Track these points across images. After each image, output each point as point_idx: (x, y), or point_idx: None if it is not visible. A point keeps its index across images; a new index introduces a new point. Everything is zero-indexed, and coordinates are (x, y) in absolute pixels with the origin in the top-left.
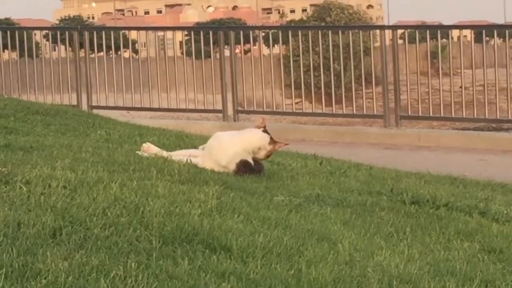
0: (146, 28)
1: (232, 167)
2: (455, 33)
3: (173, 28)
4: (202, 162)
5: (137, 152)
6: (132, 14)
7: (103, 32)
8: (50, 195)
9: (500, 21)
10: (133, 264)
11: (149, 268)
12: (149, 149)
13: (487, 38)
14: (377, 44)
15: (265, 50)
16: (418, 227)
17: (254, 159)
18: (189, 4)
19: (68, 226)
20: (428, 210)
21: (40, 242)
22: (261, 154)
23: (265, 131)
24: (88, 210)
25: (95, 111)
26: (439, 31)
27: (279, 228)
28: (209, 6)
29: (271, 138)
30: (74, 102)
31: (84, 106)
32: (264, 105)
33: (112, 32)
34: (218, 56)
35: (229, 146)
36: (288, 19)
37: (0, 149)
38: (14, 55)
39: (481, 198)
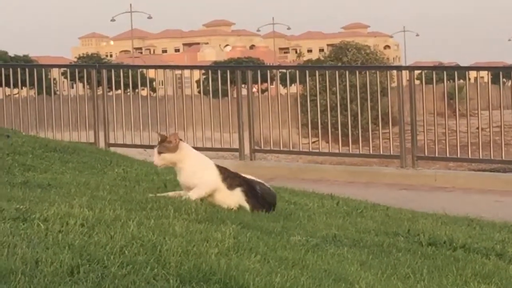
0: (164, 67)
1: None
2: (472, 74)
3: (191, 67)
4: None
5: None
6: (150, 52)
7: (121, 70)
8: (68, 233)
9: None
10: None
11: None
12: None
13: (504, 80)
14: (394, 84)
15: (282, 90)
16: (435, 268)
17: None
18: (206, 43)
19: (85, 264)
20: (445, 251)
21: (57, 280)
22: None
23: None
24: (105, 248)
25: (112, 149)
26: (456, 72)
27: (296, 268)
28: (226, 45)
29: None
30: (92, 140)
31: (102, 144)
32: (281, 144)
33: (130, 70)
34: (235, 95)
35: None
36: (305, 58)
37: (18, 186)
38: (32, 92)
39: (498, 240)
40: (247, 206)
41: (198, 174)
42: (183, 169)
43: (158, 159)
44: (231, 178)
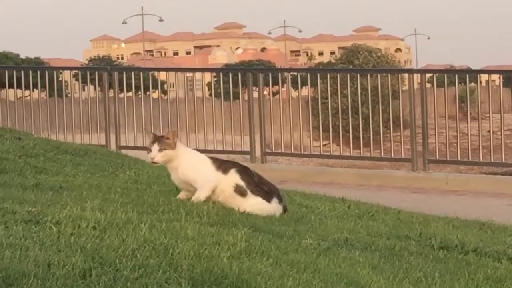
0: (175, 69)
1: None
2: (483, 77)
3: (202, 70)
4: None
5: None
6: (161, 55)
7: (132, 73)
8: (80, 235)
9: None
10: None
11: None
12: None
13: None
14: (405, 87)
15: (293, 92)
16: (447, 272)
17: None
18: (218, 46)
19: (98, 267)
20: (456, 255)
21: (70, 283)
22: None
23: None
24: (117, 251)
25: (123, 151)
26: (467, 75)
27: (307, 272)
28: (237, 48)
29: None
30: (103, 142)
31: (113, 146)
32: (291, 147)
33: (141, 73)
34: (246, 98)
35: None
36: (317, 61)
37: (30, 189)
38: (44, 94)
39: (510, 243)
40: (242, 183)
41: (196, 168)
42: (181, 164)
43: (159, 155)
44: (224, 164)
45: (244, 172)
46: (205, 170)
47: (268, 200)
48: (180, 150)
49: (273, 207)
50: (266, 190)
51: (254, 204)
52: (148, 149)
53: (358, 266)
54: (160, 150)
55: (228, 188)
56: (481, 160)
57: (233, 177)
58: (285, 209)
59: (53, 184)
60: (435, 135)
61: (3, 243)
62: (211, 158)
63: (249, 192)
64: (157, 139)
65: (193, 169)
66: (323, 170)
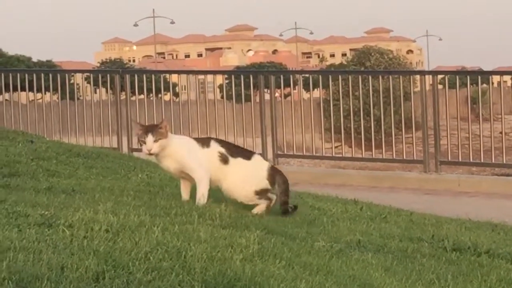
0: (186, 72)
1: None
2: (495, 78)
3: (214, 72)
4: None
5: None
6: (173, 57)
7: (144, 75)
8: (92, 238)
9: None
10: None
11: None
12: None
13: None
14: (417, 89)
15: (305, 94)
16: (460, 274)
17: None
18: (229, 48)
19: (111, 270)
20: (469, 257)
21: (83, 286)
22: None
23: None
24: (130, 254)
25: (135, 154)
26: (479, 77)
27: (320, 274)
28: (249, 50)
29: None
30: (115, 145)
31: (125, 149)
32: (303, 149)
33: (152, 75)
34: (258, 100)
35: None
36: (328, 63)
37: (43, 192)
38: (56, 97)
39: None
40: (223, 150)
41: (188, 154)
42: (173, 152)
43: (155, 146)
44: (203, 139)
45: (221, 140)
46: (195, 153)
47: (248, 157)
48: (170, 137)
49: (254, 163)
50: (243, 149)
51: (236, 170)
52: (140, 140)
53: (371, 268)
54: (156, 140)
55: (215, 160)
56: (493, 161)
57: (216, 147)
58: (295, 207)
59: (65, 187)
60: (447, 136)
61: (16, 247)
62: (193, 138)
63: (230, 158)
64: (151, 129)
65: (187, 155)
66: (335, 172)
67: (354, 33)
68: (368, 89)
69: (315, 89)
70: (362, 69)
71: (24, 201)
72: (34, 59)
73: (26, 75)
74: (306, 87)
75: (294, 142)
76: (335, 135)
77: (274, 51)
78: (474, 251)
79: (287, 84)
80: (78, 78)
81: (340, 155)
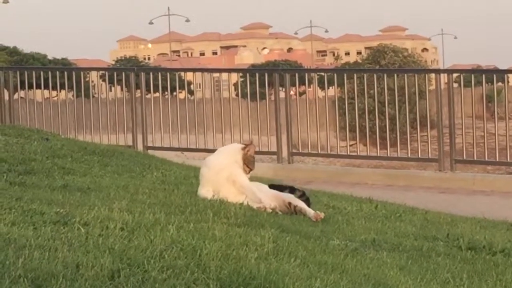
0: (201, 70)
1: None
2: (510, 77)
3: (229, 70)
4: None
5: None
6: (188, 55)
7: (159, 73)
8: (108, 236)
9: None
10: None
11: None
12: None
13: None
14: (432, 87)
15: (320, 93)
16: (475, 273)
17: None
18: (244, 46)
19: (126, 268)
20: (484, 256)
21: (98, 284)
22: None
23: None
24: (145, 252)
25: (150, 151)
26: (495, 75)
27: (335, 273)
28: (264, 48)
29: (243, 145)
30: (130, 143)
31: (140, 147)
32: (318, 147)
33: (168, 73)
34: (273, 98)
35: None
36: (343, 61)
37: (58, 190)
38: (71, 95)
39: None
40: None
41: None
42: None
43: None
44: None
45: None
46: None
47: None
48: None
49: None
50: None
51: None
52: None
53: (386, 267)
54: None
55: None
56: (508, 160)
57: None
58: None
59: (81, 185)
60: (462, 135)
61: (32, 244)
62: None
63: None
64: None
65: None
66: (349, 170)
67: (369, 32)
68: (383, 88)
69: (330, 88)
70: (377, 67)
71: (40, 199)
72: (50, 57)
73: (42, 73)
74: (321, 86)
75: (309, 140)
76: (350, 133)
77: (289, 49)
78: (489, 250)
79: (302, 82)
80: (93, 76)
81: (355, 154)
